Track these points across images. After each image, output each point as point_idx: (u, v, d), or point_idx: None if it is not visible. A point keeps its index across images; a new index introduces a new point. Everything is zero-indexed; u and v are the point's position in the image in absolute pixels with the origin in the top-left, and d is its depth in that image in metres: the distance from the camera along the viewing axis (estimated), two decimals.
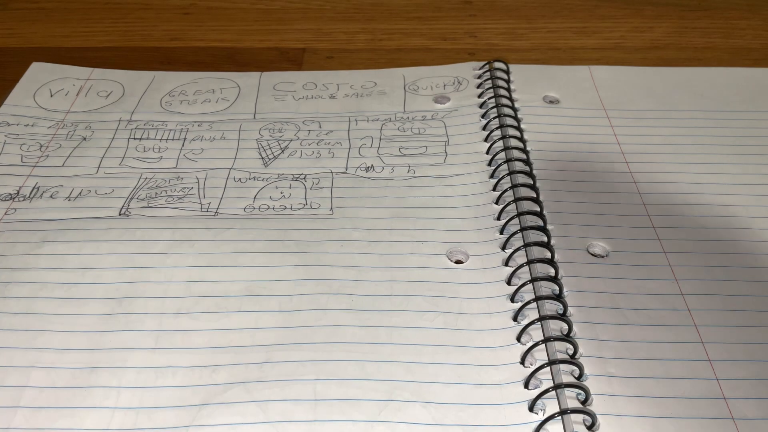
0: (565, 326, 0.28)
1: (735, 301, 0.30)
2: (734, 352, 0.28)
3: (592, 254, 0.32)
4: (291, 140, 0.39)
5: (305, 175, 0.36)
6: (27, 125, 0.40)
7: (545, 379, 0.26)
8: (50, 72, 0.44)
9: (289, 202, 0.35)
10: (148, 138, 0.39)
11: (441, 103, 0.42)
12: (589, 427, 0.25)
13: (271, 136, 0.39)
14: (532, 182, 0.34)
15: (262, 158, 0.38)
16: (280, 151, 0.38)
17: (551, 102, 0.42)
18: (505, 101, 0.40)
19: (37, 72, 0.44)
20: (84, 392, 0.26)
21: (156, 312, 0.29)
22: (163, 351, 0.27)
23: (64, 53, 0.47)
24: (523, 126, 0.39)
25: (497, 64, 0.44)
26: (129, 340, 0.28)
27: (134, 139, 0.39)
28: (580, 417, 0.25)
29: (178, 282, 0.30)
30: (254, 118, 0.41)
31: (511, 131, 0.38)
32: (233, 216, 0.34)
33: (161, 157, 0.38)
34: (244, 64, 0.46)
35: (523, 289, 0.29)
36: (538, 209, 0.33)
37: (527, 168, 0.35)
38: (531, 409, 0.25)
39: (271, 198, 0.35)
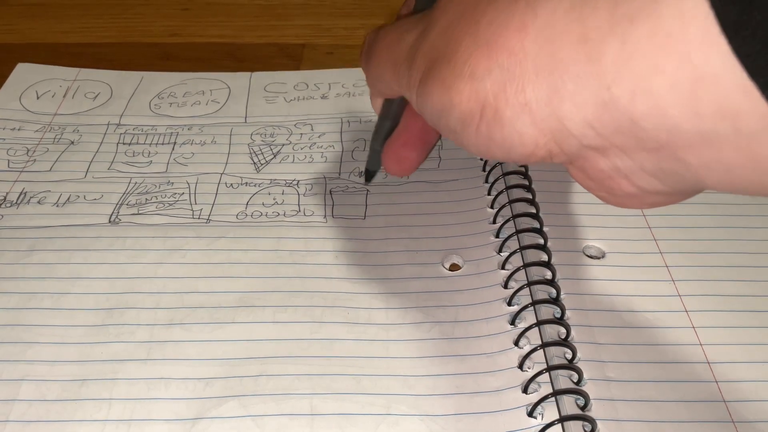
0: (563, 330, 0.28)
1: (733, 301, 0.29)
2: (733, 354, 0.27)
3: (588, 256, 0.31)
4: (283, 145, 0.38)
5: (298, 181, 0.36)
6: (14, 129, 0.39)
7: (544, 382, 0.26)
8: (36, 72, 0.44)
9: (282, 208, 0.34)
10: (137, 143, 0.39)
11: None
12: None
13: (263, 140, 0.39)
14: (527, 183, 0.34)
15: (254, 163, 0.37)
16: (273, 156, 0.38)
17: None
18: None
19: (23, 73, 0.44)
20: (75, 405, 0.26)
21: (148, 323, 0.28)
22: (155, 362, 0.27)
23: (63, 49, 0.46)
24: None
25: None
26: (120, 351, 0.27)
27: (123, 143, 0.38)
28: (579, 423, 0.25)
29: (171, 293, 0.30)
30: (245, 121, 0.40)
31: None
32: (225, 224, 0.33)
33: (151, 162, 0.37)
34: (244, 60, 0.46)
35: (520, 292, 0.29)
36: (534, 211, 0.32)
37: (523, 169, 0.35)
38: (530, 414, 0.25)
39: (263, 204, 0.34)
